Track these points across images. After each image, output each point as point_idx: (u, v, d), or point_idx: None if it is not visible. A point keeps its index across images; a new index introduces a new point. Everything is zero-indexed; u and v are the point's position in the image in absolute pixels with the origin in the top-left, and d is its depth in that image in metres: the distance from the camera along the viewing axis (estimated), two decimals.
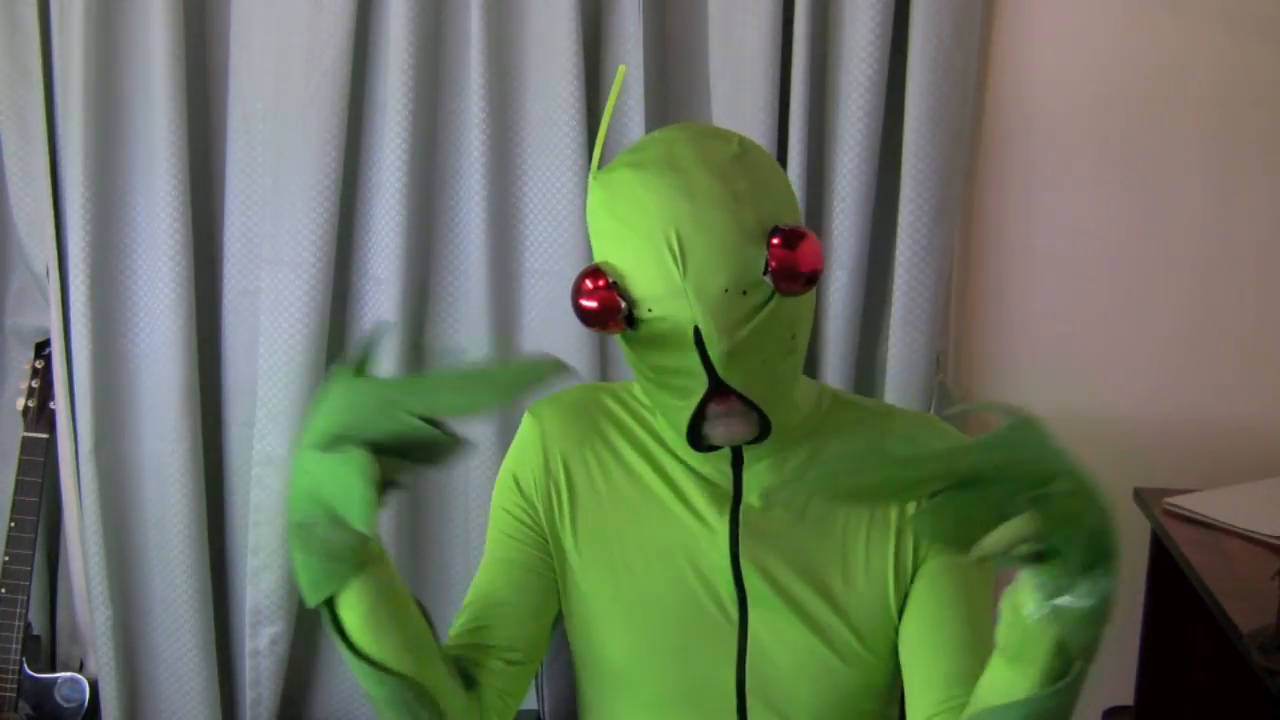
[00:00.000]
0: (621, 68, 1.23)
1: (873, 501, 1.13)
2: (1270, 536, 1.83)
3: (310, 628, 2.29)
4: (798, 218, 1.16)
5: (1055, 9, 2.05)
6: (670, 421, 1.18)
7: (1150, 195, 2.09)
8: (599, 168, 1.16)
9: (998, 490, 0.94)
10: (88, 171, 2.08)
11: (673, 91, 2.10)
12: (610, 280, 1.11)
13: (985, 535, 0.93)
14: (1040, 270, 2.13)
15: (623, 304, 1.11)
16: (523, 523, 1.31)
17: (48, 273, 2.17)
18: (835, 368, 2.05)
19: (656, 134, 1.18)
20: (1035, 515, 0.93)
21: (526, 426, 1.33)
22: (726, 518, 1.25)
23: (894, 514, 1.24)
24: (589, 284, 1.12)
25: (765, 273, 1.10)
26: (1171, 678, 2.05)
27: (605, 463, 1.29)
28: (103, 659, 2.23)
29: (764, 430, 1.16)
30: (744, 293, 1.10)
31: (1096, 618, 1.03)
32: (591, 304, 1.11)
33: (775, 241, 1.09)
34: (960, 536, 0.94)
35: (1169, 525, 1.91)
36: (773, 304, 1.11)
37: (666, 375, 1.14)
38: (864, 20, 1.92)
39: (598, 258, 1.15)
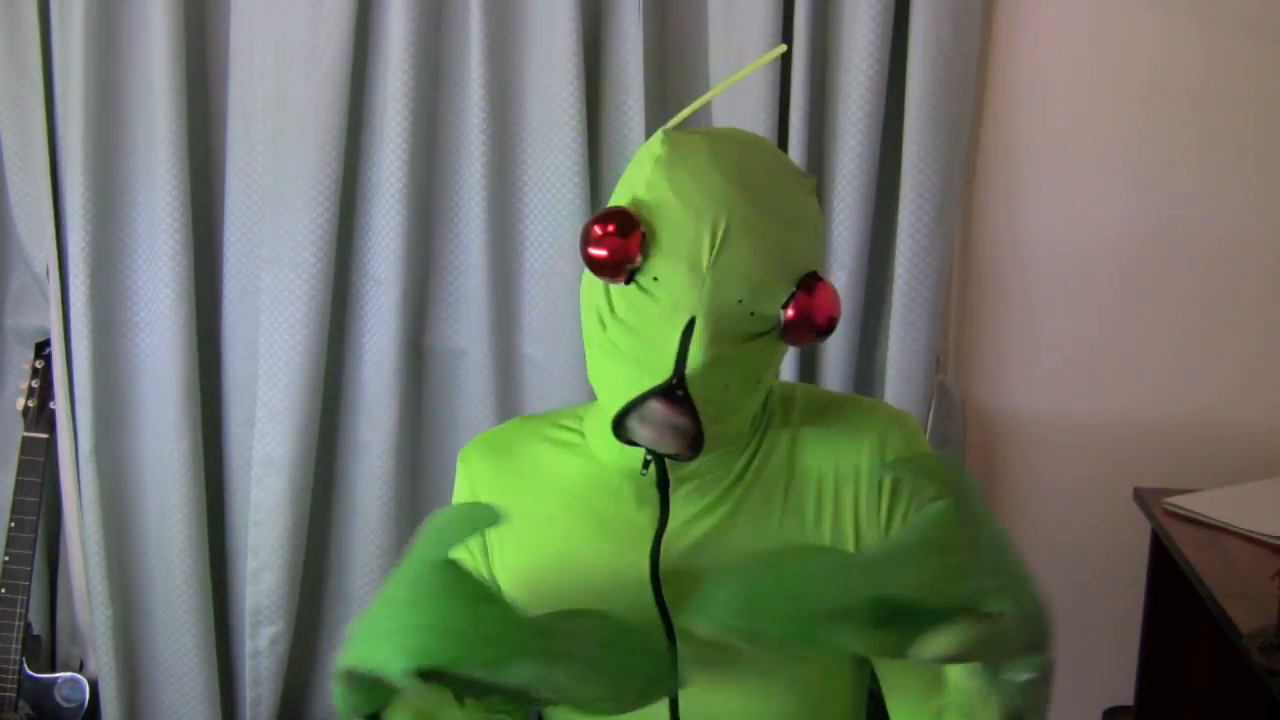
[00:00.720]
0: (781, 47, 1.20)
1: (787, 648, 0.98)
2: (1270, 536, 1.83)
3: (310, 628, 2.29)
4: (823, 269, 1.13)
5: (1055, 9, 2.05)
6: (605, 396, 1.12)
7: (1150, 196, 2.09)
8: (675, 128, 1.11)
9: (923, 614, 0.92)
10: (88, 171, 2.08)
11: (673, 91, 2.10)
12: (640, 228, 1.05)
13: (918, 640, 0.92)
14: (1040, 270, 2.13)
15: (639, 259, 1.05)
16: (480, 574, 1.26)
17: (48, 273, 2.17)
18: (835, 368, 2.05)
19: (738, 130, 1.15)
20: (969, 627, 0.92)
21: (459, 472, 1.29)
22: (646, 551, 1.18)
23: (827, 533, 1.18)
24: (598, 230, 1.06)
25: (784, 306, 1.06)
26: (1171, 678, 2.05)
27: (527, 504, 1.23)
28: (103, 659, 2.23)
29: (693, 449, 1.11)
30: (751, 314, 1.06)
31: (1037, 688, 1.02)
32: (601, 253, 1.06)
33: (803, 291, 1.06)
34: (889, 647, 0.94)
35: (1169, 525, 1.91)
36: (767, 338, 1.08)
37: (632, 344, 1.08)
38: (864, 20, 1.92)
39: (625, 200, 1.08)
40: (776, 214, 1.06)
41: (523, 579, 1.23)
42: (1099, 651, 2.22)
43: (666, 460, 1.16)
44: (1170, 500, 1.97)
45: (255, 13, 2.08)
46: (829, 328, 1.08)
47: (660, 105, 2.08)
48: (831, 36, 1.99)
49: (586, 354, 1.15)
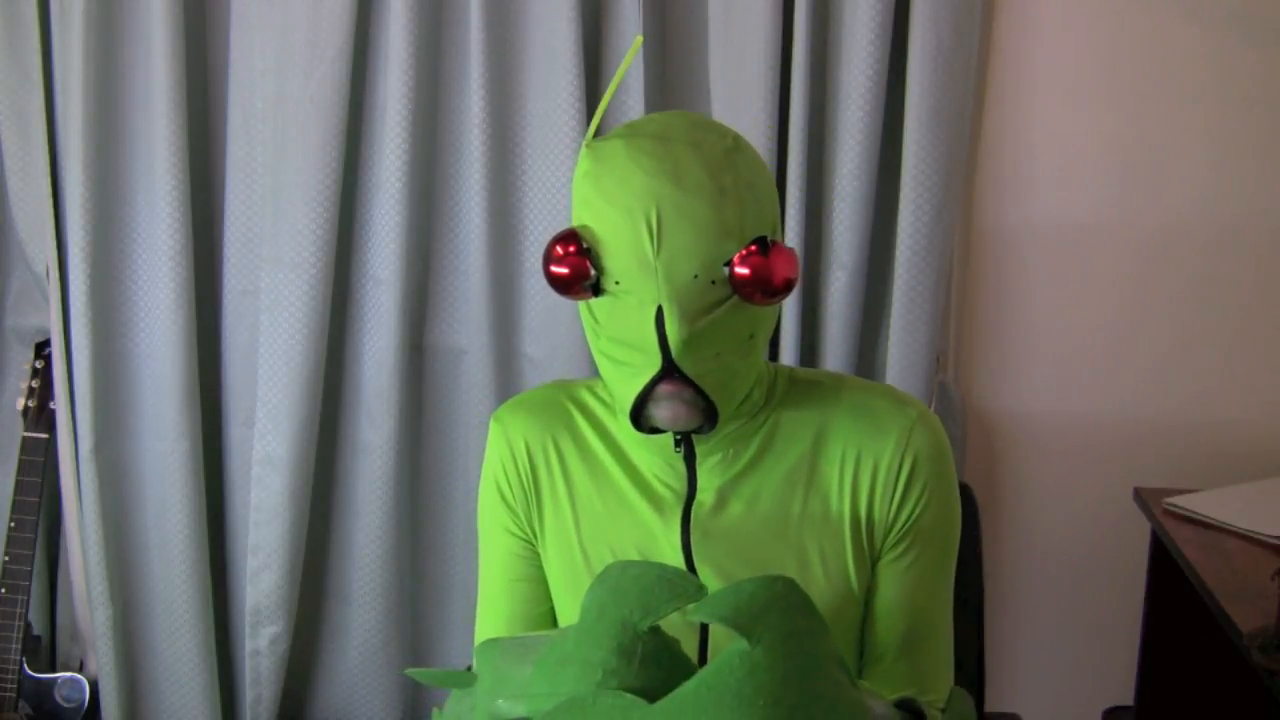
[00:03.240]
0: (638, 38, 1.25)
1: None
2: (1270, 536, 1.83)
3: (310, 628, 2.29)
4: (778, 223, 1.18)
5: (1055, 8, 2.05)
6: (618, 396, 1.19)
7: (1151, 195, 2.09)
8: (594, 138, 1.17)
9: None
10: (88, 171, 2.08)
11: (673, 91, 2.10)
12: (584, 246, 1.12)
13: None
14: (1040, 270, 2.13)
15: (592, 272, 1.12)
16: (521, 538, 1.34)
17: (48, 273, 2.17)
18: (835, 368, 2.05)
19: (656, 115, 1.19)
20: None
21: (492, 433, 1.36)
22: (678, 517, 1.25)
23: (846, 509, 1.24)
24: (560, 250, 1.13)
25: (730, 281, 1.11)
26: (1171, 678, 2.05)
27: (566, 459, 1.30)
28: (103, 659, 2.23)
29: (710, 420, 1.17)
30: (712, 283, 1.11)
31: None
32: (562, 270, 1.13)
33: (751, 249, 1.11)
34: None
35: (1169, 525, 1.91)
36: (734, 300, 1.13)
37: (622, 349, 1.15)
38: (864, 20, 1.92)
39: (575, 223, 1.16)
40: (703, 186, 1.10)
41: (559, 527, 1.30)
42: (1099, 651, 2.22)
43: (693, 434, 1.22)
44: (1170, 500, 1.97)
45: (255, 13, 2.08)
46: (785, 288, 1.13)
47: (660, 105, 2.08)
48: (831, 36, 1.99)
49: (596, 363, 1.22)
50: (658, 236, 1.09)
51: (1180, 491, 2.01)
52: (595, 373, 2.09)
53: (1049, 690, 2.24)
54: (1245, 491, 2.00)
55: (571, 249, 1.12)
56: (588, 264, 1.12)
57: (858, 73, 1.94)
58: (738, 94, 2.00)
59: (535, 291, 2.13)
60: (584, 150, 1.17)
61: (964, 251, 2.13)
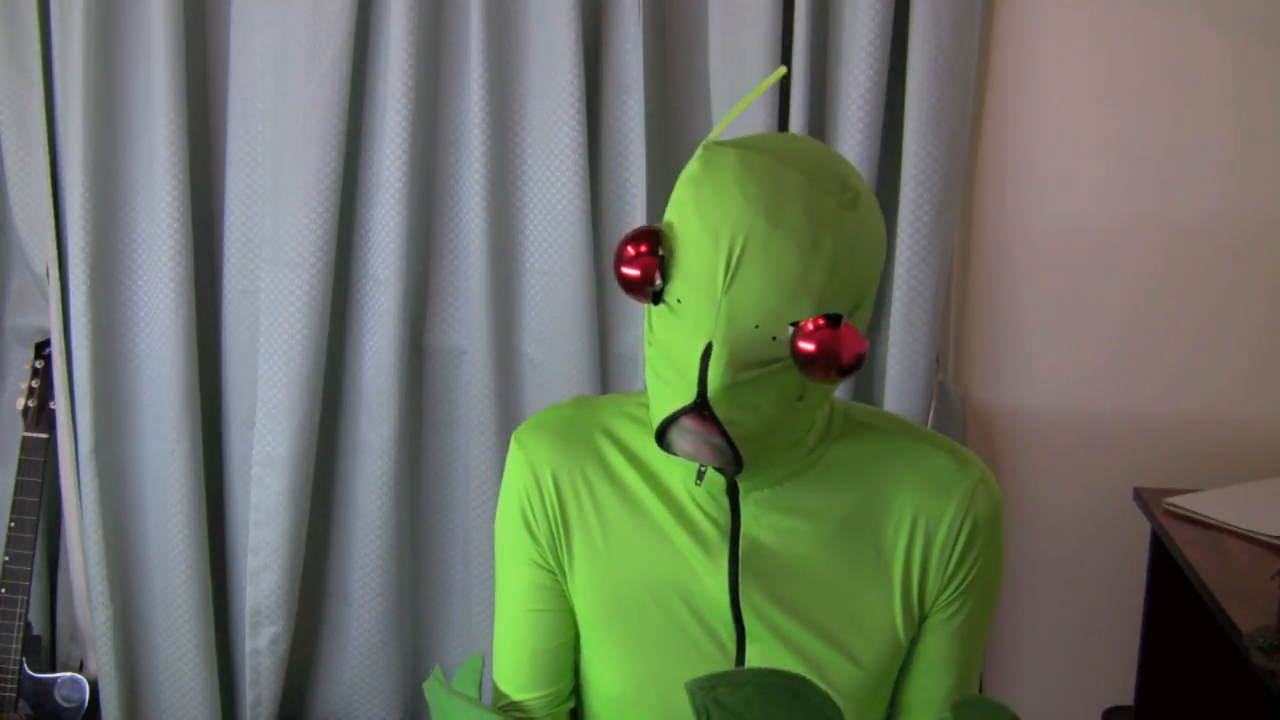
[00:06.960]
0: (780, 69, 1.18)
1: None
2: (1270, 536, 1.83)
3: (310, 628, 2.29)
4: (867, 298, 1.09)
5: (1055, 9, 2.05)
6: (653, 412, 1.12)
7: (1151, 196, 2.09)
8: (717, 139, 1.09)
9: None
10: (88, 171, 2.08)
11: (673, 91, 2.10)
12: (658, 249, 1.05)
13: None
14: (1040, 270, 2.13)
15: (659, 280, 1.06)
16: (545, 569, 1.28)
17: (47, 273, 2.17)
18: None
19: (785, 137, 1.11)
20: None
21: (514, 457, 1.28)
22: (725, 554, 1.20)
23: (899, 568, 1.21)
24: (631, 250, 1.06)
25: (790, 345, 1.03)
26: (1171, 678, 2.05)
27: (597, 492, 1.24)
28: (103, 659, 2.23)
29: (734, 465, 1.10)
30: (773, 339, 1.03)
31: None
32: (633, 272, 1.06)
33: (820, 323, 1.02)
34: None
35: (1169, 525, 1.91)
36: (790, 362, 1.05)
37: (667, 367, 1.08)
38: (864, 20, 1.92)
39: (666, 218, 1.09)
40: (796, 235, 1.01)
41: (589, 558, 1.24)
42: (1099, 651, 2.22)
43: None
44: (1170, 500, 1.97)
45: (255, 13, 2.08)
46: (844, 373, 1.04)
47: (660, 105, 2.08)
48: (831, 36, 1.99)
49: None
50: (733, 272, 1.01)
51: (1180, 491, 2.01)
52: (597, 374, 2.10)
53: (1049, 690, 2.24)
54: (1245, 491, 2.00)
55: (644, 248, 1.05)
56: (655, 268, 1.05)
57: (858, 73, 1.94)
58: (738, 94, 1.99)
59: (535, 291, 2.13)
60: (699, 151, 1.08)
61: (964, 251, 2.13)
